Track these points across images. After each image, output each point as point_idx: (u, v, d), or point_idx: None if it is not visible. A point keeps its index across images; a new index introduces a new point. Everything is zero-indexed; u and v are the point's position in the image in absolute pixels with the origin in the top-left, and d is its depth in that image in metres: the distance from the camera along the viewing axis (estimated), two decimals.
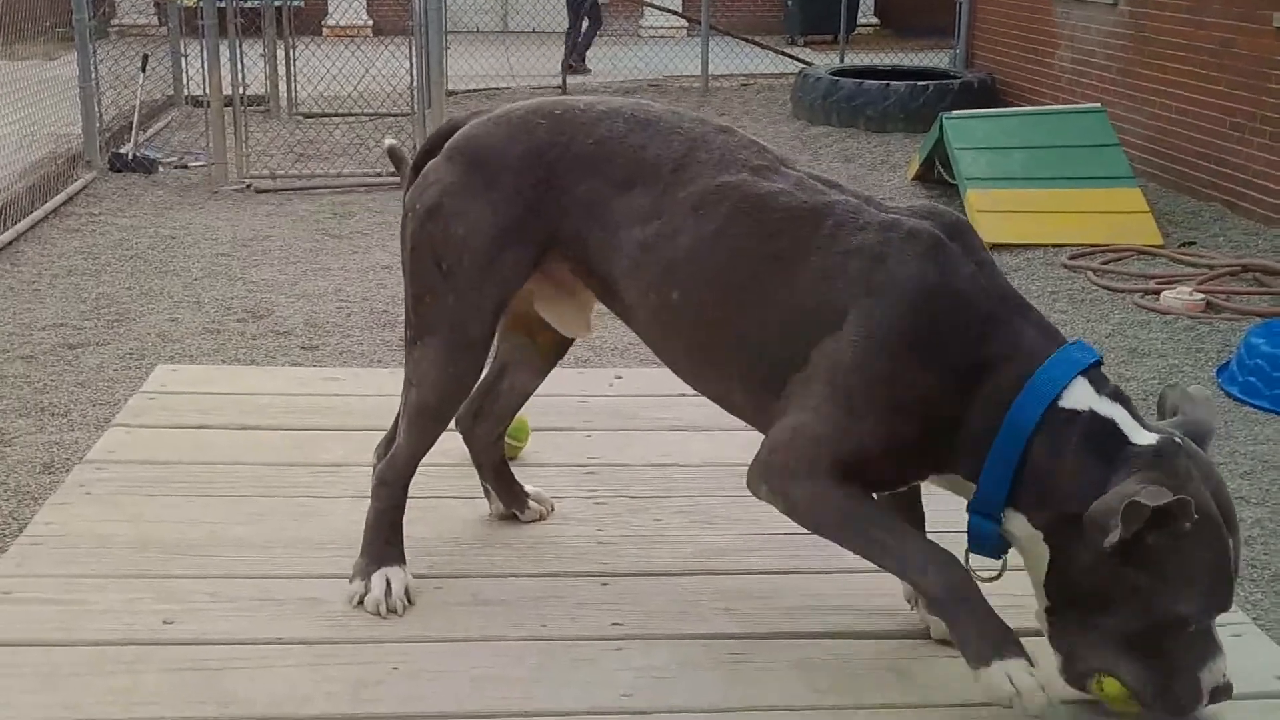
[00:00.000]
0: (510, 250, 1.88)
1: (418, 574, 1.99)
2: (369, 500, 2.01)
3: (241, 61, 8.37)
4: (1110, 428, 1.64)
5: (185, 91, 10.63)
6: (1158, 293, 6.20)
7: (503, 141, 1.91)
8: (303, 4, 14.77)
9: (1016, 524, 1.67)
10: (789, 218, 1.76)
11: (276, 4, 10.82)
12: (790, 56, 13.31)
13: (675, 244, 1.80)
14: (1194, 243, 7.21)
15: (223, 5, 8.57)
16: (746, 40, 13.71)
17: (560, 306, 2.03)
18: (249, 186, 8.45)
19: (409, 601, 1.93)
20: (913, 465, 1.73)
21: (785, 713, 1.69)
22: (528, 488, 2.27)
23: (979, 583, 1.69)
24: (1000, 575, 1.74)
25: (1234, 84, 7.80)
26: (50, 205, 7.66)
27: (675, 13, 14.69)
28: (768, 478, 1.73)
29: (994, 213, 7.32)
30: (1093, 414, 1.65)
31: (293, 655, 1.80)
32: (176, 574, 2.01)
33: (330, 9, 16.90)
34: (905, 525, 1.73)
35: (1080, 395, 1.65)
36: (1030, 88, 10.58)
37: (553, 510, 2.28)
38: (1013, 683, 1.60)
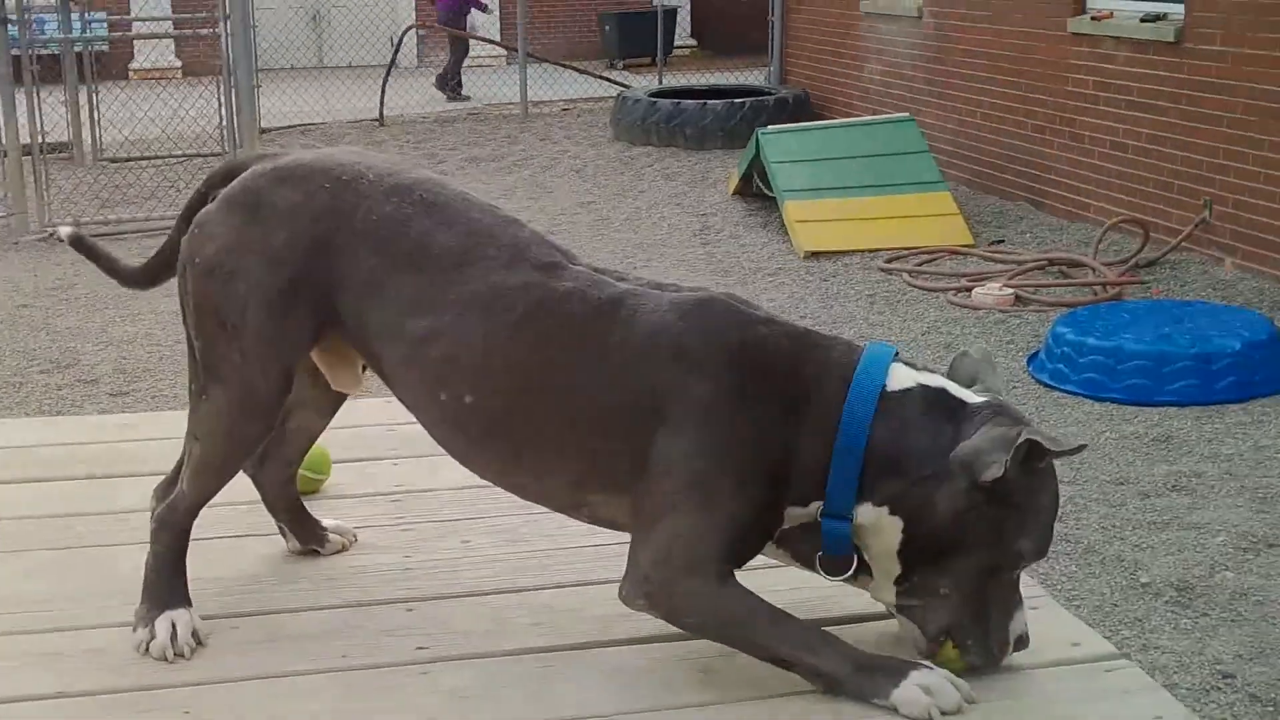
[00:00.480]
0: (293, 313, 1.81)
1: (211, 615, 1.89)
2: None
3: (39, 108, 8.06)
4: (944, 394, 1.71)
5: None
6: (969, 290, 6.37)
7: (283, 198, 1.82)
8: (107, 48, 14.33)
9: (865, 513, 1.70)
10: (587, 316, 1.74)
11: (77, 50, 10.46)
12: (609, 80, 13.41)
13: (462, 344, 1.76)
14: (1002, 241, 7.44)
15: (18, 53, 8.27)
16: (564, 66, 13.77)
17: (335, 367, 1.97)
18: (52, 235, 8.13)
19: (198, 643, 1.83)
20: (776, 523, 1.75)
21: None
22: (326, 521, 2.20)
23: (834, 583, 1.76)
24: (854, 573, 1.77)
25: (1034, 88, 8.09)
26: None
27: (494, 41, 14.68)
28: (649, 593, 1.71)
29: (812, 222, 7.46)
30: (923, 387, 1.71)
31: (76, 708, 1.69)
32: None
33: (136, 52, 16.47)
34: (778, 612, 1.72)
35: (904, 376, 1.72)
36: (843, 100, 10.82)
37: (355, 541, 2.21)
38: (926, 689, 1.64)
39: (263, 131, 12.02)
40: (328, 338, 1.87)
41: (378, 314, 1.80)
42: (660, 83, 13.08)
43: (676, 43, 17.20)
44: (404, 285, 1.78)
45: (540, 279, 1.76)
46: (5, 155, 8.07)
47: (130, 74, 15.54)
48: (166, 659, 1.78)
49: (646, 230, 8.13)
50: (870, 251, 7.22)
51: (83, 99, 10.50)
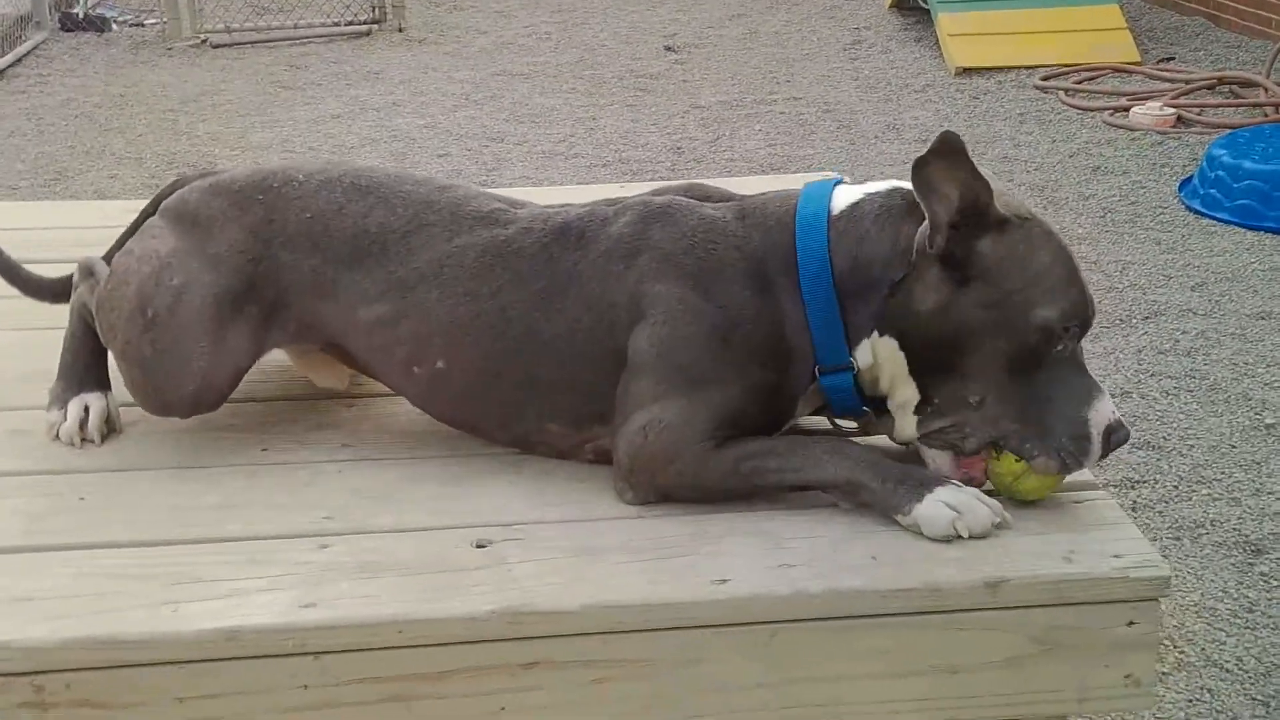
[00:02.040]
0: (233, 326, 1.75)
1: (128, 402, 1.85)
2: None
3: None
4: (893, 194, 1.62)
5: None
6: (1128, 109, 5.99)
7: (219, 214, 1.79)
8: None
9: (863, 352, 1.61)
10: (538, 252, 1.70)
11: None
12: None
13: (426, 316, 1.71)
14: (1173, 58, 6.95)
15: None
16: None
17: (316, 369, 1.92)
18: (204, 42, 8.22)
19: (111, 429, 1.81)
20: (786, 408, 1.67)
21: (499, 527, 1.57)
22: None
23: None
24: (867, 422, 1.69)
25: None
26: None
27: None
28: (633, 481, 1.63)
29: (966, 35, 7.08)
30: (868, 195, 1.63)
31: None
32: None
33: None
34: (777, 440, 1.64)
35: (846, 196, 1.64)
36: None
37: None
38: (952, 506, 1.53)
39: None
40: (289, 342, 1.82)
41: (332, 311, 1.75)
42: None
43: None
44: (350, 275, 1.74)
45: (484, 230, 1.73)
46: None
47: None
48: (74, 444, 1.76)
49: (794, 44, 7.83)
50: (1028, 69, 6.83)
51: None
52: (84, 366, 1.86)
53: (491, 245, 1.72)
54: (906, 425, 1.62)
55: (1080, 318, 1.56)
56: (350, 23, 8.46)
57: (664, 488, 1.63)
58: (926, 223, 1.54)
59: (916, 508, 1.54)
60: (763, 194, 1.73)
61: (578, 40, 8.12)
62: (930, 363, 1.58)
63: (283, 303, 1.77)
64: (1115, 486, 3.12)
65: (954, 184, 1.50)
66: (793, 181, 2.86)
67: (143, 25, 8.82)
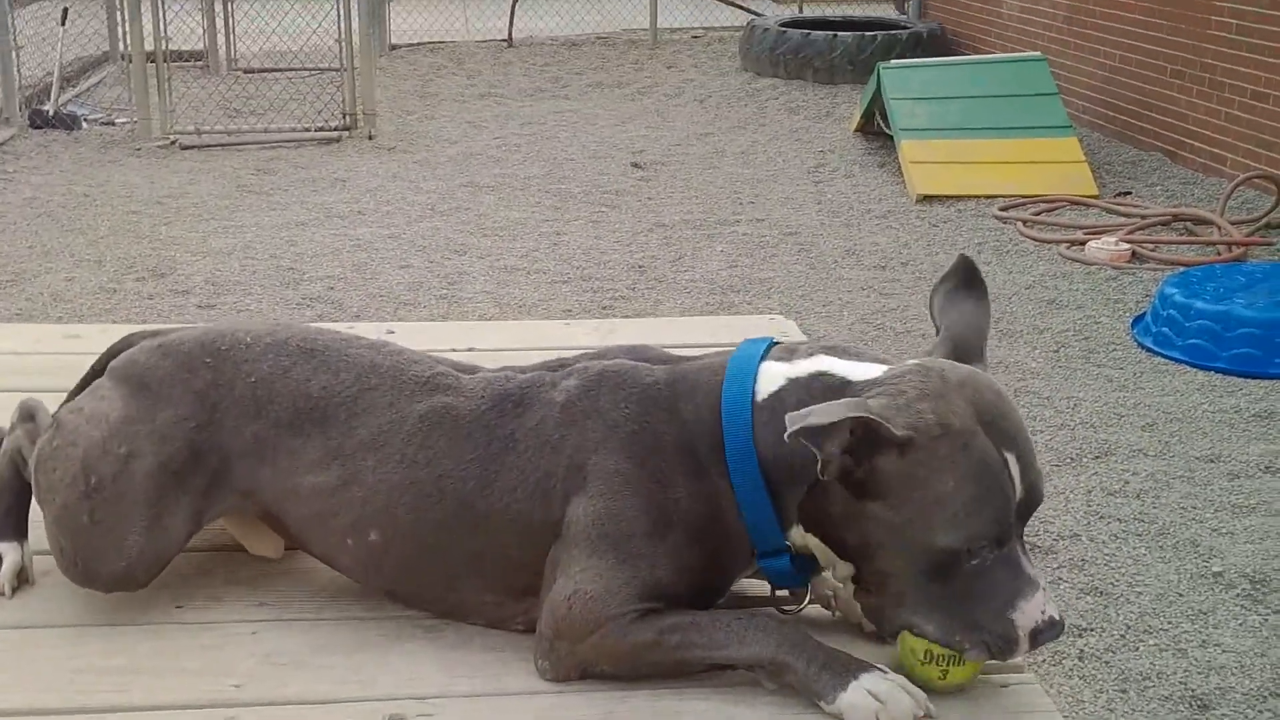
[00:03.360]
0: (172, 503, 1.71)
1: (46, 550, 1.78)
2: None
3: (164, 16, 8.14)
4: (820, 381, 1.55)
5: (123, 47, 10.40)
6: (1084, 243, 6.06)
7: (167, 376, 1.77)
8: None
9: (795, 535, 1.58)
10: (475, 420, 1.67)
11: None
12: (741, 8, 13.08)
13: (364, 486, 1.68)
14: (1130, 192, 7.07)
15: None
16: None
17: (250, 535, 1.88)
18: (174, 142, 8.26)
19: (23, 582, 1.76)
20: (721, 583, 1.64)
21: (411, 700, 1.53)
22: None
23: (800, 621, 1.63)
24: (807, 601, 1.64)
25: (1175, 30, 7.64)
26: None
27: None
28: (554, 656, 1.59)
29: (928, 163, 7.18)
30: (792, 382, 1.57)
31: None
32: None
33: None
34: (703, 614, 1.59)
35: (770, 380, 1.59)
36: (980, 37, 10.39)
37: None
38: (875, 696, 1.49)
39: (392, 47, 12.11)
40: (229, 511, 1.78)
41: (271, 477, 1.72)
42: (800, 11, 12.73)
43: None
44: (293, 442, 1.71)
45: (425, 396, 1.70)
46: (131, 60, 8.17)
47: None
48: None
49: (759, 165, 7.93)
50: (987, 198, 6.92)
51: (218, 8, 10.62)
52: (3, 512, 1.82)
53: (430, 413, 1.68)
54: (850, 596, 1.61)
55: (991, 538, 1.48)
56: (321, 128, 8.52)
57: (585, 661, 1.58)
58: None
59: (841, 696, 1.50)
60: (696, 360, 1.70)
61: (546, 154, 8.20)
62: (854, 554, 1.56)
63: (225, 469, 1.73)
64: (1063, 634, 3.09)
65: (840, 429, 1.45)
66: (741, 326, 2.88)
67: (113, 124, 8.85)
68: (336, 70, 8.69)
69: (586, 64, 11.49)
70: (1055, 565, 3.40)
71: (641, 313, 5.32)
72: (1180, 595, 3.28)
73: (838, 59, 10.14)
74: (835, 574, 1.60)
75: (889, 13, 12.17)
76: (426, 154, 8.20)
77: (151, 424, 1.73)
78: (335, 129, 8.53)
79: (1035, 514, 1.58)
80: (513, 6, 12.38)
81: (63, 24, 8.71)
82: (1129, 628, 3.14)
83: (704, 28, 13.13)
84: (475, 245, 6.27)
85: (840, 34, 10.28)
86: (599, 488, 1.59)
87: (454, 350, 2.45)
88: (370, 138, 8.49)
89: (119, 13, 9.97)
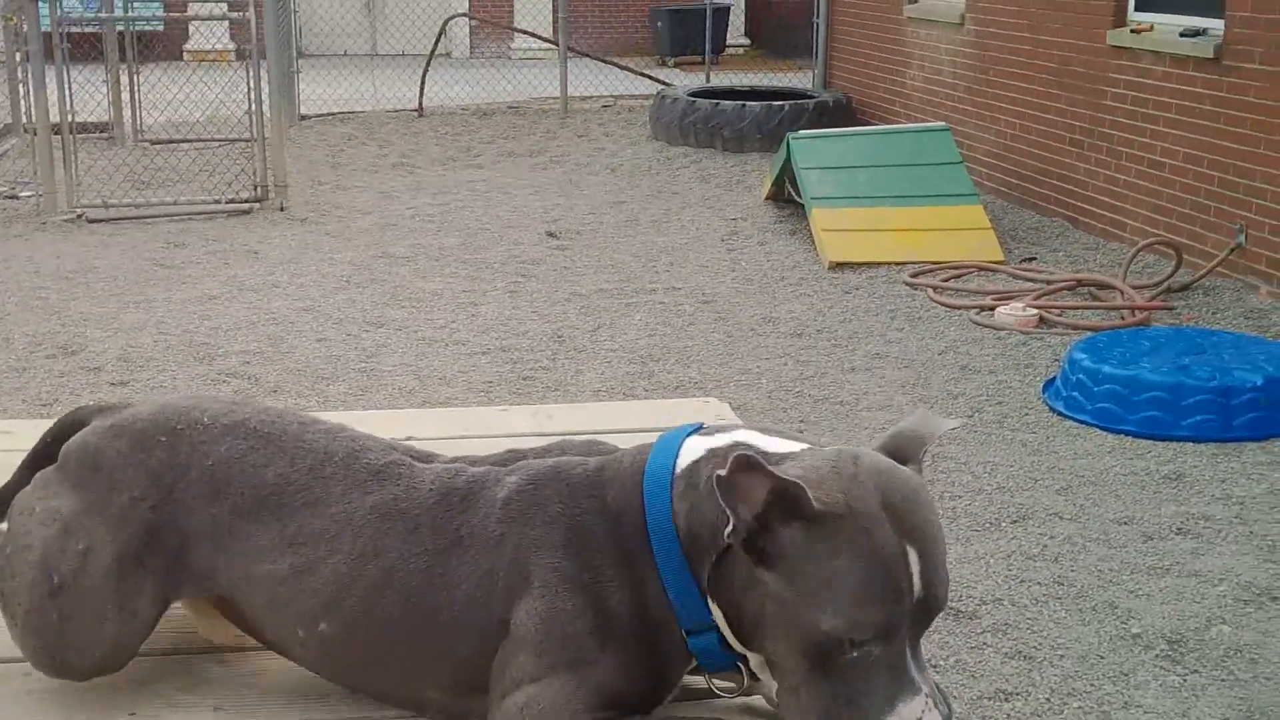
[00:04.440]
0: (138, 581, 1.69)
1: (9, 659, 1.77)
2: None
3: (69, 87, 8.05)
4: (738, 450, 1.51)
5: (26, 119, 10.27)
6: (993, 309, 6.20)
7: (120, 457, 1.74)
8: (162, 27, 14.40)
9: (714, 608, 1.56)
10: (423, 513, 1.66)
11: (120, 29, 10.48)
12: (651, 78, 13.27)
13: (315, 576, 1.66)
14: (1035, 258, 7.25)
15: (49, 30, 8.26)
16: (607, 63, 13.66)
17: (204, 621, 1.86)
18: (81, 216, 8.15)
19: None
20: (665, 656, 1.61)
21: None
22: None
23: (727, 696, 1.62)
24: (745, 684, 1.61)
25: (1074, 100, 7.89)
26: None
27: (540, 37, 14.59)
28: None
29: (838, 231, 7.31)
30: (708, 454, 1.57)
31: None
32: None
33: (191, 33, 16.55)
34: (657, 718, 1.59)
35: (694, 448, 1.59)
36: (885, 106, 10.64)
37: None
38: None
39: (302, 118, 12.09)
40: (190, 592, 1.75)
41: (226, 562, 1.70)
42: (708, 81, 12.94)
43: (730, 41, 17.05)
44: (248, 528, 1.68)
45: (376, 487, 1.68)
46: (35, 133, 8.06)
47: (184, 55, 15.64)
48: None
49: (674, 233, 8.01)
50: (898, 264, 7.06)
51: (124, 79, 10.53)
52: None
53: (381, 504, 1.67)
54: (770, 683, 1.60)
55: (878, 630, 1.42)
56: (232, 200, 8.47)
57: None
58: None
59: None
60: (623, 453, 1.69)
61: (461, 224, 8.21)
62: (749, 631, 1.53)
63: (183, 550, 1.70)
64: (989, 699, 3.14)
65: (761, 488, 1.43)
66: (675, 409, 2.89)
67: (17, 198, 8.72)
68: (246, 141, 8.67)
69: (498, 133, 11.56)
70: (979, 630, 3.45)
71: (562, 383, 5.33)
72: (1101, 658, 3.34)
73: (746, 128, 10.32)
74: (752, 659, 1.59)
75: (796, 82, 12.41)
76: (340, 225, 8.17)
77: (106, 511, 1.70)
78: (246, 200, 8.48)
79: (936, 618, 1.52)
80: (423, 76, 12.43)
81: None
82: (1053, 690, 3.19)
83: (614, 96, 13.29)
84: (392, 317, 6.25)
85: (748, 104, 10.46)
86: (540, 587, 1.58)
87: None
88: (282, 209, 8.45)
89: (21, 85, 9.86)
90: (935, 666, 3.25)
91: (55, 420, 1.89)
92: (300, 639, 1.68)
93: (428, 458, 1.76)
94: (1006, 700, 3.15)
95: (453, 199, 8.94)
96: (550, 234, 7.94)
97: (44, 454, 1.85)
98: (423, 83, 12.43)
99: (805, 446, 1.55)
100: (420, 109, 12.42)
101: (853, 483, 1.45)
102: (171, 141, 10.19)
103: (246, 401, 1.86)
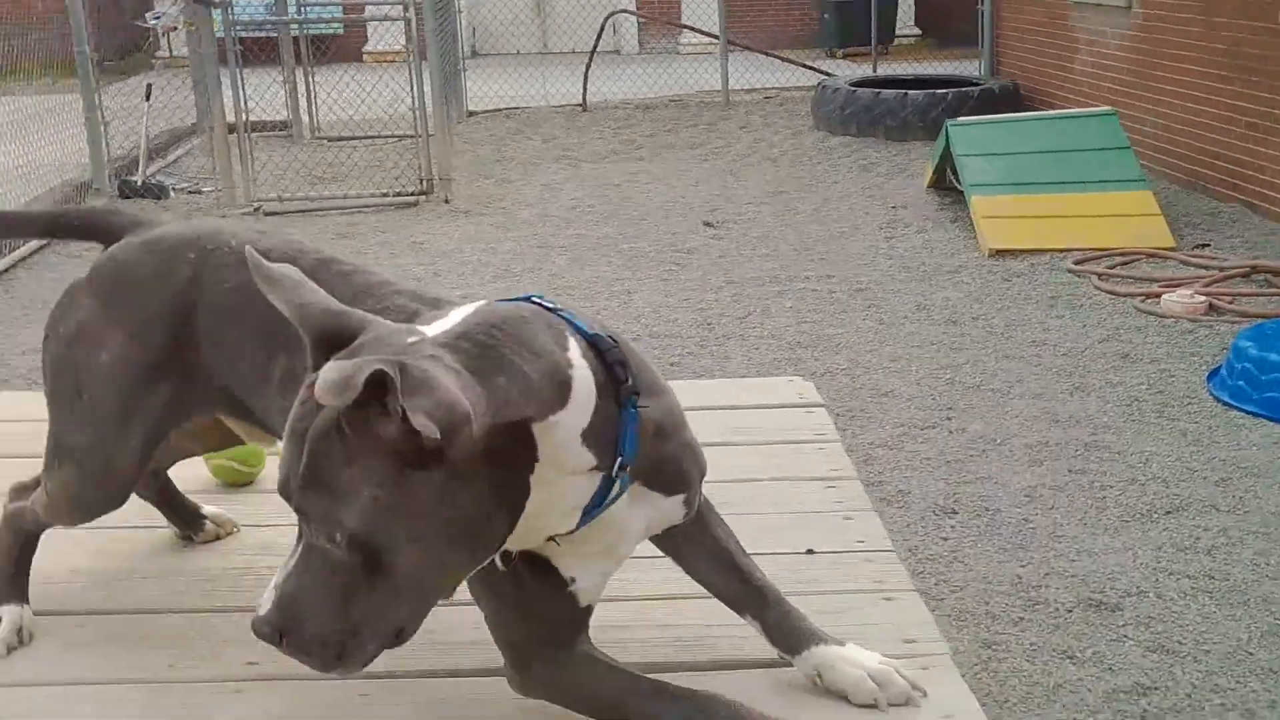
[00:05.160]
0: (155, 392, 1.76)
1: (49, 611, 1.85)
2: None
3: (243, 88, 8.38)
4: None
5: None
6: (1159, 296, 5.98)
7: (149, 274, 1.79)
8: (342, 30, 14.88)
9: None
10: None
11: (294, 34, 10.87)
12: (814, 70, 13.15)
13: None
14: (1208, 245, 6.97)
15: (235, 34, 8.61)
16: (771, 55, 13.59)
17: (243, 430, 1.92)
18: (257, 209, 8.47)
19: (22, 642, 1.80)
20: None
21: None
22: (206, 508, 2.15)
23: None
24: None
25: (1247, 84, 7.56)
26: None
27: (702, 31, 14.57)
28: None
29: (999, 218, 7.14)
30: None
31: None
32: None
33: (370, 35, 17.04)
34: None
35: None
36: (1053, 92, 10.35)
37: (234, 532, 2.15)
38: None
39: (470, 114, 12.34)
40: (207, 407, 1.81)
41: (242, 389, 1.74)
42: (874, 72, 12.78)
43: (899, 31, 16.78)
44: (260, 355, 1.71)
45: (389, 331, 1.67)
46: (214, 131, 8.42)
47: (364, 56, 16.11)
48: None
49: (831, 221, 7.94)
50: (1061, 251, 6.86)
51: (300, 80, 10.92)
52: (6, 580, 1.88)
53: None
54: None
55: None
56: (399, 194, 8.70)
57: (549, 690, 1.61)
58: None
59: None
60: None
61: (619, 214, 8.28)
62: None
63: (197, 367, 1.75)
64: (1125, 693, 3.04)
65: None
66: (761, 386, 2.87)
67: (200, 193, 9.10)
68: (414, 137, 8.88)
69: (660, 126, 11.61)
70: (1121, 623, 3.34)
71: (708, 369, 5.33)
72: (1250, 654, 3.19)
73: (909, 117, 10.16)
74: None
75: (965, 71, 12.16)
76: (502, 216, 8.32)
77: (130, 325, 1.75)
78: (412, 194, 8.69)
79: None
80: (586, 72, 12.56)
81: (147, 99, 8.99)
82: (1195, 686, 3.06)
83: (776, 88, 13.22)
84: None
85: (910, 93, 10.30)
86: None
87: None
88: (446, 201, 8.64)
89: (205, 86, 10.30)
90: (1072, 658, 3.16)
91: (93, 207, 1.96)
92: None
93: (435, 304, 1.66)
94: (1144, 695, 3.04)
95: (612, 191, 9.02)
96: (707, 223, 7.94)
97: (69, 224, 1.95)
98: (585, 78, 12.56)
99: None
100: (584, 104, 12.55)
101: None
102: (344, 139, 10.50)
103: (275, 232, 1.87)
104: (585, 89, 12.59)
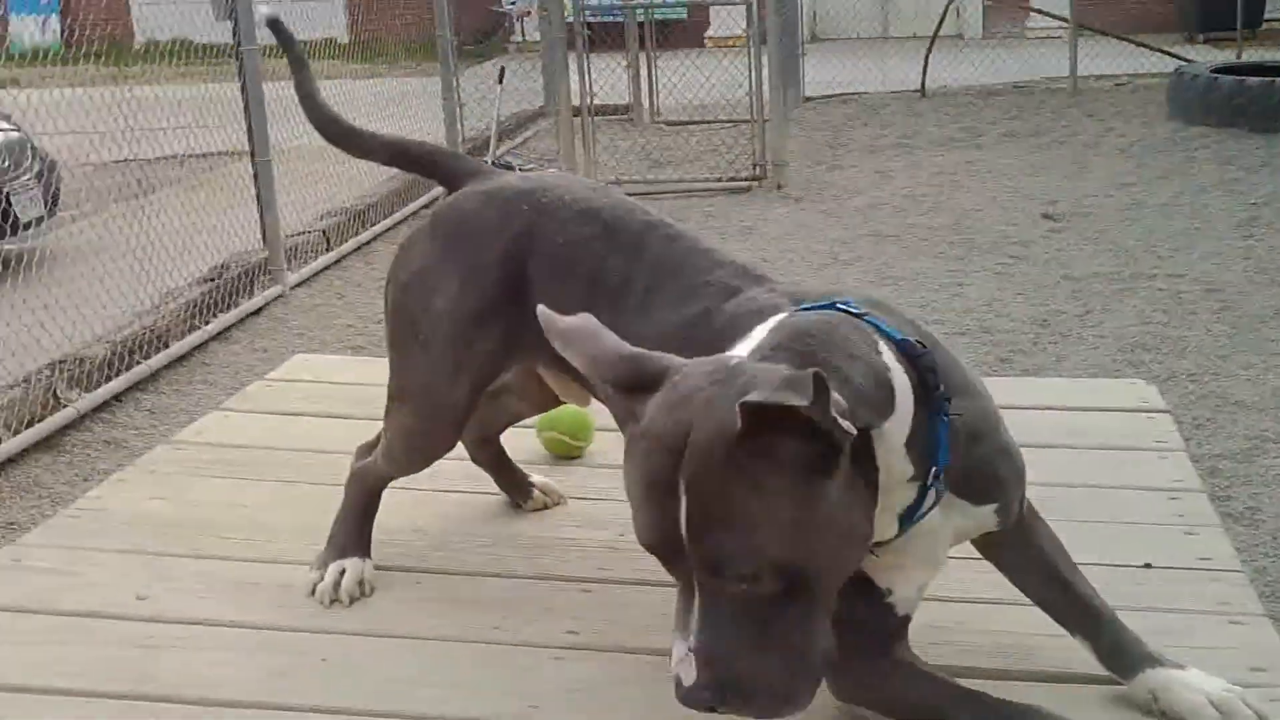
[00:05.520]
0: (484, 335, 1.82)
1: (390, 566, 1.92)
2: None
3: (589, 73, 8.63)
4: None
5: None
6: None
7: (486, 223, 1.84)
8: (686, 15, 15.14)
9: None
10: (708, 345, 1.57)
11: (640, 19, 11.12)
12: (1171, 55, 12.40)
13: None
14: None
15: (584, 19, 8.89)
16: (1124, 39, 12.91)
17: (562, 386, 1.96)
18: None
19: (363, 593, 1.88)
20: None
21: None
22: (534, 477, 2.20)
23: None
24: None
25: None
26: (410, 208, 8.23)
27: (1052, 15, 14.00)
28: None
29: None
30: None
31: (231, 638, 1.77)
32: (175, 552, 2.02)
33: (712, 21, 17.25)
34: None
35: None
36: None
37: (561, 502, 2.18)
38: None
39: (806, 100, 12.30)
40: (535, 364, 1.86)
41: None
42: (1239, 58, 11.97)
43: (1268, 14, 15.64)
44: (582, 309, 1.69)
45: (686, 307, 1.64)
46: (559, 114, 8.73)
47: (705, 42, 16.33)
48: (323, 603, 1.84)
49: (1183, 217, 7.49)
50: None
51: (644, 67, 11.17)
52: (352, 534, 1.99)
53: (684, 322, 1.64)
54: None
55: (649, 550, 1.35)
56: (732, 179, 8.77)
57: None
58: None
59: None
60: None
61: (953, 204, 8.08)
62: None
63: (525, 317, 1.75)
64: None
65: None
66: (1095, 388, 2.72)
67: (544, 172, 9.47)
68: (749, 122, 8.94)
69: (1001, 113, 11.25)
70: None
71: (1041, 367, 5.14)
72: None
73: (1276, 106, 9.44)
74: None
75: None
76: (833, 204, 8.26)
77: (466, 271, 1.82)
78: (745, 179, 8.76)
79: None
80: (926, 56, 12.30)
81: (499, 83, 9.39)
82: None
83: (1128, 75, 12.58)
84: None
85: (1279, 80, 9.58)
86: None
87: None
88: (779, 187, 8.65)
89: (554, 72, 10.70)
90: None
91: (438, 146, 2.05)
92: None
93: (758, 281, 1.65)
94: None
95: (947, 179, 8.81)
96: (1047, 215, 7.65)
97: (412, 155, 2.00)
98: (925, 63, 12.30)
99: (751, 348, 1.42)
100: (923, 90, 12.30)
101: (674, 404, 1.34)
102: (681, 123, 10.68)
103: (607, 190, 1.90)
104: (925, 74, 12.34)
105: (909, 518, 1.45)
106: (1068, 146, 9.72)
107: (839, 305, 1.48)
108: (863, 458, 1.33)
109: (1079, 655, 1.63)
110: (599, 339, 1.43)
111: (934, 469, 1.42)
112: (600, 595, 1.89)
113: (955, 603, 1.81)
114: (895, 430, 1.39)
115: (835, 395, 1.23)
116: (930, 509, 1.46)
